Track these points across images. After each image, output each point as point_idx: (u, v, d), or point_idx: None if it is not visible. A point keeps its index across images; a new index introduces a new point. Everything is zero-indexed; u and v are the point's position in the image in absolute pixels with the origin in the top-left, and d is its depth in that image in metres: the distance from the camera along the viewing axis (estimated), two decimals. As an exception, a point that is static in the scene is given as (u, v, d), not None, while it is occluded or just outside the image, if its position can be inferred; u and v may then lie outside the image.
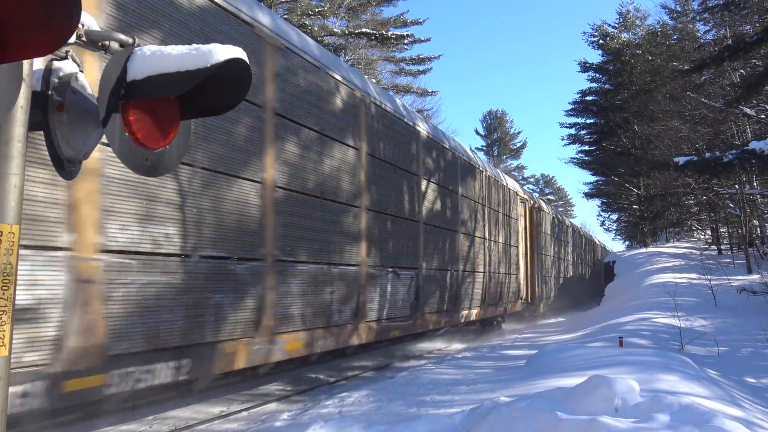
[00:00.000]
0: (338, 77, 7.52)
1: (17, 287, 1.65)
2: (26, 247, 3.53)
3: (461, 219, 12.29)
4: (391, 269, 8.75)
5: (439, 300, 10.73)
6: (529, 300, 18.86)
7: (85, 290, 3.94)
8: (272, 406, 6.94)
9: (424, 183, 10.29)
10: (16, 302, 1.69)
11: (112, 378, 4.14)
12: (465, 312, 12.25)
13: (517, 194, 17.60)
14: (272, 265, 5.97)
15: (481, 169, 14.02)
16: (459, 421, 4.78)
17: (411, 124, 9.88)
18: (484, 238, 13.90)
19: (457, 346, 13.33)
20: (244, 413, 6.61)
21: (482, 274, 13.53)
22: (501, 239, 15.36)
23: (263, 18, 6.02)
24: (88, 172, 3.97)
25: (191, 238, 4.93)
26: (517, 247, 17.22)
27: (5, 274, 1.59)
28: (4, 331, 1.59)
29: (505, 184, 16.23)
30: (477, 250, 13.25)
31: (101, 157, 4.06)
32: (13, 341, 1.67)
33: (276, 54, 6.21)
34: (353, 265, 7.67)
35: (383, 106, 8.90)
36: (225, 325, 5.30)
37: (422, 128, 10.32)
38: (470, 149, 14.63)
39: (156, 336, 4.52)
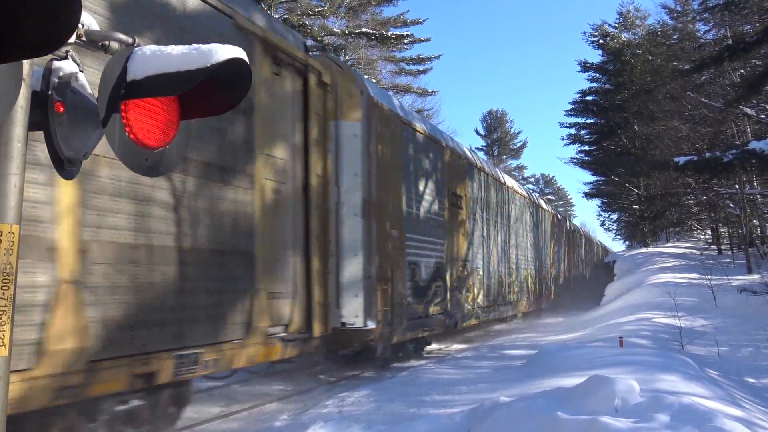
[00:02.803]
0: None
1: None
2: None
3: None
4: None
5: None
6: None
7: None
8: (272, 406, 6.94)
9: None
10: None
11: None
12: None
13: (547, 211, 24.74)
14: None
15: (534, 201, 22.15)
16: (459, 421, 4.78)
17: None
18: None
19: (457, 346, 13.33)
20: (244, 413, 6.61)
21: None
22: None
23: None
24: None
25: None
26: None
27: (5, 274, 1.59)
28: (4, 331, 1.59)
29: (543, 206, 23.81)
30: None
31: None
32: (13, 341, 1.67)
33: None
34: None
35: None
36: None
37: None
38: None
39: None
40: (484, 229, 14.93)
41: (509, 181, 18.38)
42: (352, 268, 8.51)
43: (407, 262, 10.19)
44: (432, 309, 11.04)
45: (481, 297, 14.01)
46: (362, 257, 8.59)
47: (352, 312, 8.38)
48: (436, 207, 11.68)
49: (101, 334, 4.45)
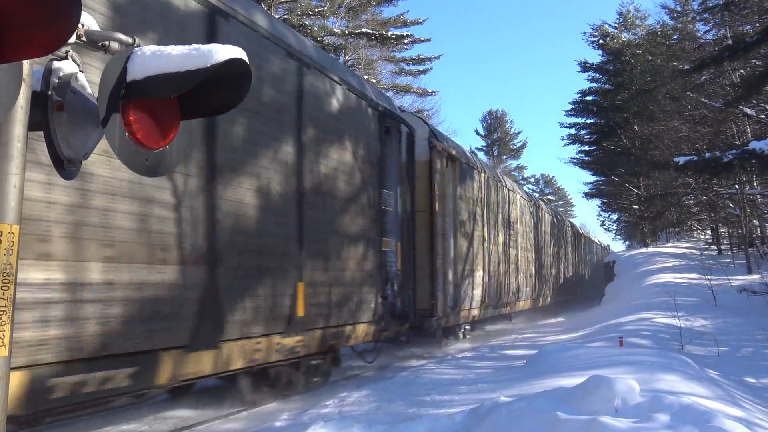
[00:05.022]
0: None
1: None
2: None
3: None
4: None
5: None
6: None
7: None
8: (272, 406, 6.94)
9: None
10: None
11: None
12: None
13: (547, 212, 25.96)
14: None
15: (545, 210, 25.27)
16: (459, 421, 4.78)
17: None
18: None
19: (457, 345, 13.33)
20: (244, 413, 6.61)
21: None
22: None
23: None
24: None
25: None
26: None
27: (5, 274, 1.59)
28: (4, 331, 1.59)
29: (542, 207, 25.17)
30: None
31: None
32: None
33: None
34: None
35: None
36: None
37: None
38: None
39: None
40: (503, 235, 17.19)
41: (517, 189, 20.91)
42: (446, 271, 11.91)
43: (471, 269, 13.72)
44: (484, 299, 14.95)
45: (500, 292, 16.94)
46: (452, 264, 12.19)
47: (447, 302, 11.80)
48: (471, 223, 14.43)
49: (340, 311, 7.78)
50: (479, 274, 14.34)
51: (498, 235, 16.64)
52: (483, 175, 15.32)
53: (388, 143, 9.49)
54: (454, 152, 12.80)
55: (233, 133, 5.79)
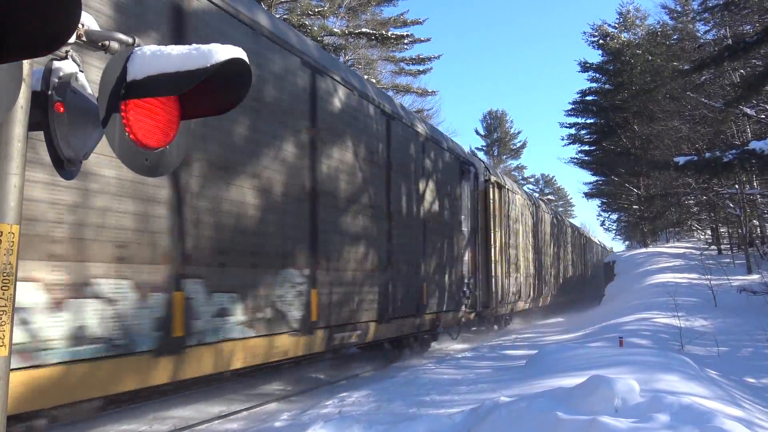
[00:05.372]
0: None
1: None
2: None
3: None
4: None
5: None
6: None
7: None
8: (272, 406, 6.95)
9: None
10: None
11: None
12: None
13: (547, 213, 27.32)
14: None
15: (567, 224, 29.33)
16: (459, 421, 4.78)
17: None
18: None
19: (457, 346, 13.33)
20: (244, 413, 6.61)
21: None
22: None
23: None
24: None
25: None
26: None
27: (5, 274, 1.59)
28: (4, 331, 1.59)
29: (543, 208, 25.91)
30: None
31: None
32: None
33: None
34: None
35: None
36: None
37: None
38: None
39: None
40: (532, 245, 21.09)
41: (543, 205, 24.99)
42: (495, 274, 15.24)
43: (513, 272, 17.31)
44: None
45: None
46: (501, 269, 15.70)
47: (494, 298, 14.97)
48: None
49: (442, 302, 11.42)
50: (517, 276, 17.97)
51: (529, 244, 20.25)
52: (519, 197, 19.11)
53: (463, 180, 13.14)
54: (501, 182, 16.62)
55: (402, 188, 9.67)
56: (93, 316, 4.08)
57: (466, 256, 13.26)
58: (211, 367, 5.24)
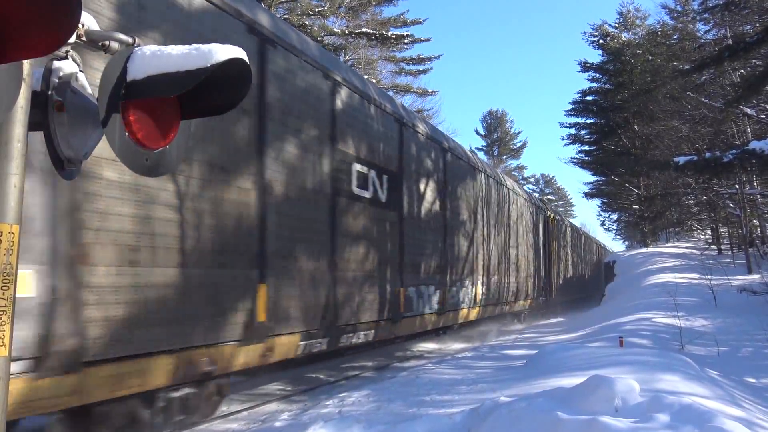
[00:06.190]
0: None
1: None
2: None
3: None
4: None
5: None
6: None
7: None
8: (272, 406, 6.95)
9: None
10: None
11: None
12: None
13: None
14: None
15: (580, 232, 36.59)
16: (459, 421, 4.78)
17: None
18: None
19: (457, 346, 13.33)
20: (244, 413, 6.61)
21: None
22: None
23: None
24: None
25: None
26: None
27: (5, 274, 1.59)
28: (4, 331, 1.59)
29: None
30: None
31: None
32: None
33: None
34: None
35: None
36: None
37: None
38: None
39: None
40: (563, 252, 27.60)
41: (566, 221, 30.96)
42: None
43: (559, 271, 24.82)
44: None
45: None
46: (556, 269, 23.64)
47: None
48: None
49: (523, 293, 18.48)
50: (557, 273, 25.01)
51: (567, 252, 27.78)
52: (564, 223, 26.62)
53: (537, 217, 20.54)
54: (554, 215, 24.84)
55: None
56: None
57: (542, 263, 21.19)
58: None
